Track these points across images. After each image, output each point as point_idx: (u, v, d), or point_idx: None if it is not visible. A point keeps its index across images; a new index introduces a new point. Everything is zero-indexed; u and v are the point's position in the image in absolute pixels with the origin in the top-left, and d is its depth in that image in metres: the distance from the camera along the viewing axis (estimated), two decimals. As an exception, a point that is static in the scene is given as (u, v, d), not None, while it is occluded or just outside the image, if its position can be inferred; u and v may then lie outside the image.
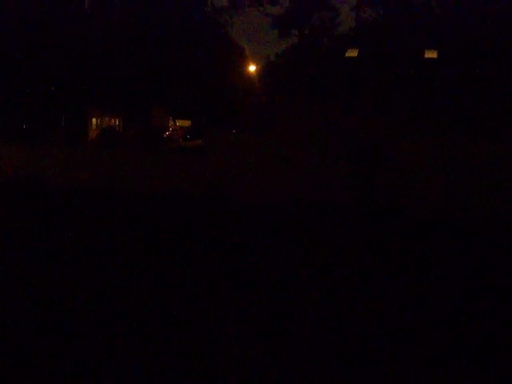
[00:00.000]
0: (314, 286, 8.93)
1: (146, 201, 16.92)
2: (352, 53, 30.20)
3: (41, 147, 22.43)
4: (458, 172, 16.98)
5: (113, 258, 10.35)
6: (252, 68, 49.91)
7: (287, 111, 21.73)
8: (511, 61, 26.54)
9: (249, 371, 6.36)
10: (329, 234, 12.58)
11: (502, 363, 6.65)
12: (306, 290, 8.81)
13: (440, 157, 17.27)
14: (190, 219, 14.09)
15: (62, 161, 20.77)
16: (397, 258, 10.83)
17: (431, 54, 28.03)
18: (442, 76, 27.02)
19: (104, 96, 38.10)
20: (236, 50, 43.62)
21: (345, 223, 13.97)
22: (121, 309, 7.89)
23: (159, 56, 33.40)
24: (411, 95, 24.33)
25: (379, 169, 16.97)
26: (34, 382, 6.14)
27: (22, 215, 14.43)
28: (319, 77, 32.82)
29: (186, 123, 74.66)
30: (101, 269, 9.66)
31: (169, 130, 67.10)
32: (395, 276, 9.72)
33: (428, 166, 17.21)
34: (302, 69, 36.51)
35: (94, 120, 64.73)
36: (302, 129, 18.47)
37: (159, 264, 10.02)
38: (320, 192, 17.00)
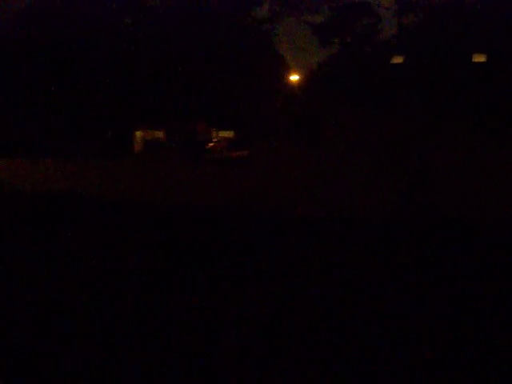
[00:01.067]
0: (371, 302, 8.66)
1: (191, 213, 16.79)
2: (397, 59, 29.79)
3: (86, 161, 22.57)
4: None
5: (159, 268, 10.25)
6: (294, 78, 49.73)
7: (332, 121, 21.47)
8: None
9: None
10: (383, 249, 12.15)
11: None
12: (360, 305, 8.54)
13: (496, 165, 16.73)
14: (237, 232, 13.88)
15: (107, 174, 20.82)
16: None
17: (479, 58, 27.47)
18: (491, 80, 26.43)
19: (149, 109, 38.35)
20: (278, 60, 43.51)
21: (398, 239, 13.53)
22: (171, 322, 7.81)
23: (202, 69, 33.47)
24: (461, 102, 23.80)
25: (429, 180, 16.56)
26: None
27: (65, 227, 14.45)
28: (363, 85, 32.48)
29: (229, 134, 74.95)
30: (148, 282, 9.55)
31: (212, 142, 67.34)
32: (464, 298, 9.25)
33: (484, 176, 16.68)
34: (345, 77, 36.21)
35: (138, 133, 65.43)
36: (348, 139, 18.16)
37: (209, 277, 9.85)
38: (367, 204, 16.64)
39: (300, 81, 50.09)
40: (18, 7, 34.51)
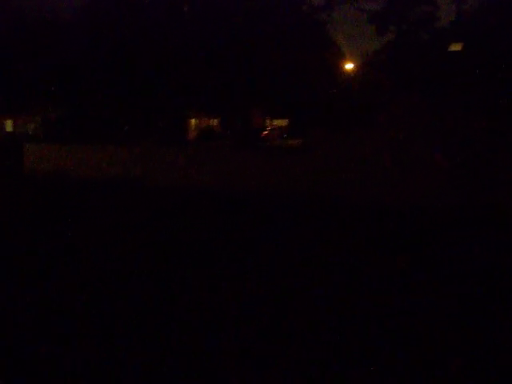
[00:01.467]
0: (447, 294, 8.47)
1: (248, 200, 16.85)
2: (456, 47, 29.26)
3: (141, 148, 22.85)
4: None
5: (219, 253, 10.26)
6: (349, 66, 49.40)
7: (387, 109, 21.28)
8: None
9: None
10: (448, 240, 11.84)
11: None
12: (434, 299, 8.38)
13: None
14: (295, 219, 13.86)
15: (161, 161, 21.08)
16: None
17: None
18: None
19: (202, 97, 38.61)
20: (333, 48, 43.25)
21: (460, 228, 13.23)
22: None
23: (256, 56, 33.50)
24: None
25: (489, 168, 16.27)
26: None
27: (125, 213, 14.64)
28: (420, 73, 32.06)
29: (283, 122, 74.89)
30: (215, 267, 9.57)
31: (266, 130, 67.50)
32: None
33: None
34: (401, 65, 35.77)
35: (192, 121, 66.06)
36: (404, 127, 17.96)
37: (272, 265, 9.81)
38: (423, 193, 16.44)
39: (355, 69, 49.74)
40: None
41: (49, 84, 25.09)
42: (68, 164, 22.93)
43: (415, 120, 17.96)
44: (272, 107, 58.50)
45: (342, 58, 47.59)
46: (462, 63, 28.67)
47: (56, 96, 38.39)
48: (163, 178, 20.29)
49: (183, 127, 42.05)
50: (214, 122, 72.59)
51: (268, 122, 77.91)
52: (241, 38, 32.05)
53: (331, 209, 15.06)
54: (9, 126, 56.49)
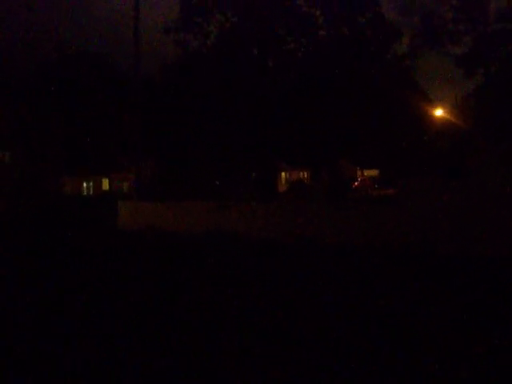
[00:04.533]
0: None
1: (340, 253, 16.62)
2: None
3: (233, 202, 23.06)
4: None
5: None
6: (438, 112, 48.75)
7: (480, 156, 20.69)
8: None
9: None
10: None
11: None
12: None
13: None
14: (394, 273, 13.47)
15: (255, 215, 21.18)
16: None
17: None
18: None
19: (292, 150, 38.93)
20: (420, 95, 42.84)
21: None
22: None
23: (345, 106, 33.58)
24: None
25: None
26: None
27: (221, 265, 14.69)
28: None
29: (374, 172, 74.51)
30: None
31: (357, 180, 67.18)
32: None
33: None
34: (493, 110, 34.97)
35: (283, 174, 66.67)
36: (502, 175, 17.30)
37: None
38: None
39: (444, 115, 49.01)
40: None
41: (141, 143, 26.05)
42: (160, 220, 23.36)
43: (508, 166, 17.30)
44: (362, 157, 58.33)
45: (430, 104, 47.05)
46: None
47: (149, 154, 39.65)
48: (257, 231, 20.35)
49: (274, 180, 42.38)
50: (304, 174, 73.02)
51: (358, 172, 77.72)
52: (329, 90, 32.26)
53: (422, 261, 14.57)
54: (105, 184, 58.77)
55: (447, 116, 45.81)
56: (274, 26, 33.29)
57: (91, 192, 57.45)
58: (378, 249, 16.50)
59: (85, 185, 57.53)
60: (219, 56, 33.53)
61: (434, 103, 47.94)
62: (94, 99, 45.79)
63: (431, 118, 46.50)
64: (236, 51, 33.36)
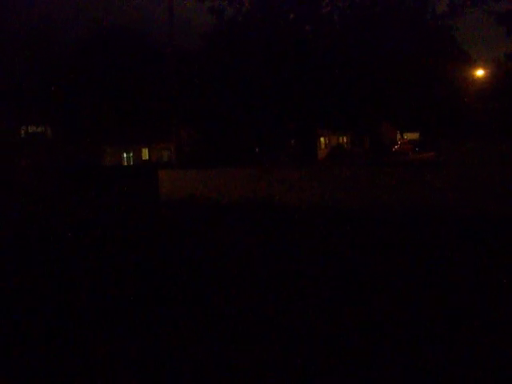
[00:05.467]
0: None
1: (384, 219, 16.42)
2: None
3: (273, 169, 22.99)
4: None
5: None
6: (480, 72, 47.70)
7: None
8: None
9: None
10: None
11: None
12: None
13: None
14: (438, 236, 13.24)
15: (293, 181, 21.10)
16: None
17: None
18: None
19: (333, 115, 38.57)
20: (462, 55, 41.87)
21: None
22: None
23: (385, 69, 33.03)
24: None
25: None
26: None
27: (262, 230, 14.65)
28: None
29: (414, 136, 73.67)
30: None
31: (397, 144, 66.53)
32: None
33: None
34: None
35: (322, 139, 66.25)
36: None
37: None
38: None
39: (486, 75, 47.92)
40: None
41: (181, 113, 26.09)
42: (202, 189, 23.39)
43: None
44: (402, 121, 57.60)
45: (472, 64, 46.00)
46: None
47: (188, 123, 39.73)
48: (289, 197, 20.26)
49: (314, 146, 42.16)
50: (345, 138, 72.48)
51: (398, 135, 76.88)
52: (368, 52, 31.70)
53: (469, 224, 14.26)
54: (145, 153, 59.20)
55: (489, 76, 44.84)
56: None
57: (131, 162, 57.98)
58: (426, 214, 16.29)
59: (125, 155, 58.06)
60: (255, 22, 33.17)
61: (476, 63, 46.91)
62: (132, 70, 45.95)
63: (473, 78, 45.56)
64: (272, 17, 32.96)
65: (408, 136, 76.15)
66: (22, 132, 48.14)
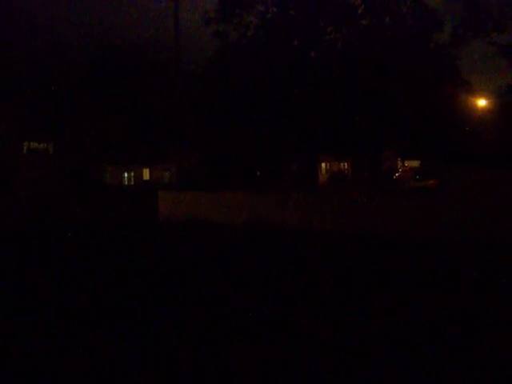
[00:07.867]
0: None
1: (383, 244, 16.38)
2: None
3: (273, 192, 23.01)
4: None
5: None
6: (481, 102, 47.84)
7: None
8: None
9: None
10: None
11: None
12: None
13: None
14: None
15: (294, 205, 21.09)
16: None
17: None
18: None
19: (334, 141, 38.66)
20: (463, 85, 42.01)
21: None
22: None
23: (386, 98, 33.19)
24: None
25: None
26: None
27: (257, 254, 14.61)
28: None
29: (415, 163, 73.59)
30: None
31: (399, 171, 66.43)
32: None
33: None
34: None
35: (323, 165, 66.32)
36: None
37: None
38: None
39: (488, 105, 48.04)
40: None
41: (183, 135, 26.13)
42: (201, 211, 23.43)
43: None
44: (403, 148, 57.66)
45: (473, 94, 46.12)
46: None
47: (190, 145, 39.84)
48: (295, 220, 20.26)
49: (315, 171, 42.19)
50: (345, 165, 72.60)
51: (399, 163, 76.85)
52: (370, 80, 31.87)
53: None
54: (146, 174, 59.29)
55: (491, 106, 44.96)
56: (315, 16, 32.99)
57: (132, 182, 58.00)
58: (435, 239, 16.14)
59: (126, 174, 58.09)
60: (259, 47, 33.37)
61: (476, 93, 47.04)
62: (137, 90, 46.19)
63: (474, 108, 45.67)
64: (277, 42, 33.18)
65: (409, 164, 76.04)
66: (24, 148, 48.43)
